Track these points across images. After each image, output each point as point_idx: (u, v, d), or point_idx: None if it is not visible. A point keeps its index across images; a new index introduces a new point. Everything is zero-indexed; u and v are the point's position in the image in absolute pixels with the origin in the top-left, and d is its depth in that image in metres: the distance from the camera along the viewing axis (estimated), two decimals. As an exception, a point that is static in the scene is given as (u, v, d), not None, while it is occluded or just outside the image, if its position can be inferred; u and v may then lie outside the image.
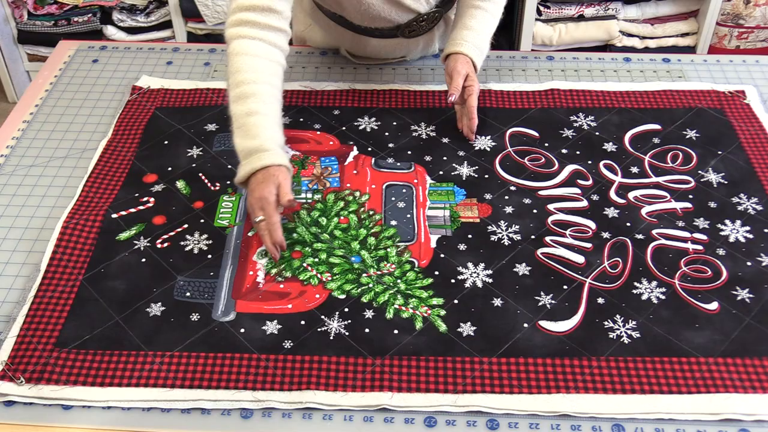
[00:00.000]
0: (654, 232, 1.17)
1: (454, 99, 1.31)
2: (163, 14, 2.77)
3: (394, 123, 1.37)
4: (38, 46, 2.87)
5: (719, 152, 1.31)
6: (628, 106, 1.41)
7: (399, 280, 1.09)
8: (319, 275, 1.10)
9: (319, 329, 1.03)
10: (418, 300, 1.07)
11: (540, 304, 1.06)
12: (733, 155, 1.30)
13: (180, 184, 1.25)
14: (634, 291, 1.08)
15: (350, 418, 0.94)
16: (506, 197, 1.23)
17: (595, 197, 1.23)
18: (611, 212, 1.21)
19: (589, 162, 1.30)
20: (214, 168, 1.28)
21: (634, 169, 1.28)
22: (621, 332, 1.02)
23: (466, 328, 1.03)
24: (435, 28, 1.48)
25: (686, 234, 1.17)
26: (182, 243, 1.15)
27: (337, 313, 1.05)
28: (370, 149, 1.32)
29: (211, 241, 1.15)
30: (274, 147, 1.11)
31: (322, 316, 1.04)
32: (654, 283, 1.09)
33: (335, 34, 1.50)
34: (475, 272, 1.11)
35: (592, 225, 1.18)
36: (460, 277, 1.10)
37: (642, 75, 1.50)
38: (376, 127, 1.37)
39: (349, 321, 1.04)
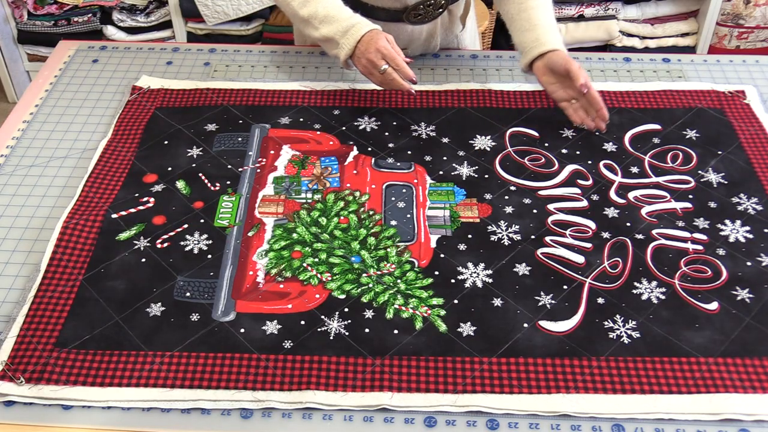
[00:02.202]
0: (654, 232, 1.17)
1: (587, 85, 1.28)
2: (163, 14, 2.77)
3: (394, 123, 1.37)
4: (38, 46, 2.87)
5: (719, 152, 1.31)
6: (628, 106, 1.41)
7: (399, 280, 1.09)
8: (319, 275, 1.10)
9: (319, 329, 1.03)
10: (418, 300, 1.07)
11: (540, 304, 1.06)
12: (733, 155, 1.30)
13: (180, 184, 1.25)
14: (634, 291, 1.08)
15: (350, 418, 0.94)
16: (506, 197, 1.23)
17: (595, 197, 1.23)
18: (611, 212, 1.21)
19: (589, 162, 1.30)
20: (214, 168, 1.28)
21: (634, 169, 1.28)
22: (621, 332, 1.02)
23: (466, 328, 1.03)
24: (439, 19, 1.48)
25: (686, 234, 1.17)
26: (182, 243, 1.15)
27: (337, 313, 1.05)
28: (370, 149, 1.32)
29: (211, 241, 1.15)
30: (362, 20, 1.29)
31: (322, 316, 1.04)
32: (654, 283, 1.09)
33: None
34: (475, 272, 1.11)
35: (592, 225, 1.18)
36: (460, 277, 1.10)
37: (642, 75, 1.50)
38: (376, 127, 1.37)
39: (349, 321, 1.04)
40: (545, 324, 1.03)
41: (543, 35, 1.35)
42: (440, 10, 1.45)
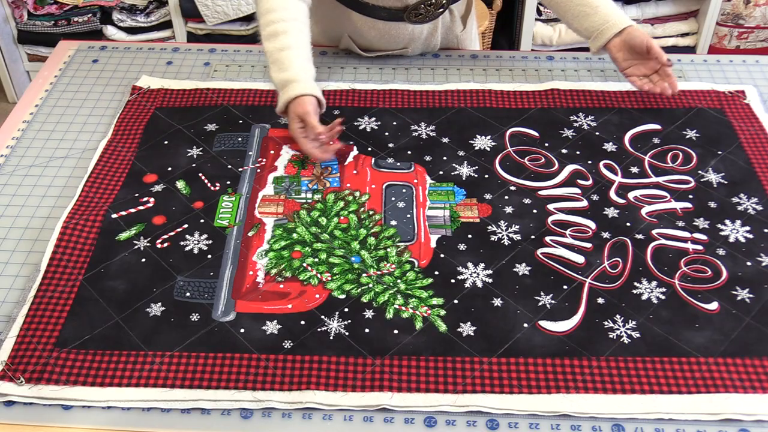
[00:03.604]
0: (654, 232, 1.17)
1: (672, 62, 1.37)
2: (163, 14, 2.77)
3: (394, 123, 1.37)
4: (38, 46, 2.87)
5: (719, 152, 1.31)
6: (628, 106, 1.41)
7: (399, 280, 1.09)
8: (319, 275, 1.10)
9: (319, 329, 1.03)
10: (418, 300, 1.07)
11: (540, 304, 1.06)
12: (733, 155, 1.30)
13: (180, 184, 1.25)
14: (634, 291, 1.08)
15: (350, 418, 0.94)
16: (506, 197, 1.23)
17: (595, 197, 1.23)
18: (611, 212, 1.21)
19: (589, 162, 1.30)
20: (214, 168, 1.28)
21: (634, 169, 1.28)
22: (621, 332, 1.02)
23: (466, 328, 1.03)
24: (440, 19, 1.48)
25: (686, 234, 1.17)
26: (182, 243, 1.15)
27: (337, 313, 1.05)
28: (370, 149, 1.32)
29: (211, 241, 1.15)
30: (304, 78, 1.26)
31: (322, 316, 1.04)
32: (654, 283, 1.09)
33: (339, 18, 1.50)
34: (475, 272, 1.11)
35: (592, 225, 1.18)
36: (460, 277, 1.10)
37: (642, 75, 1.50)
38: (376, 127, 1.37)
39: (349, 321, 1.04)
40: (545, 324, 1.03)
41: (611, 15, 1.37)
42: (441, 9, 1.45)
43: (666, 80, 1.38)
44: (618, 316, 1.04)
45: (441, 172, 1.28)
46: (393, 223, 1.19)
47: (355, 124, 1.38)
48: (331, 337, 1.02)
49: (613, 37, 1.37)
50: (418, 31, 1.49)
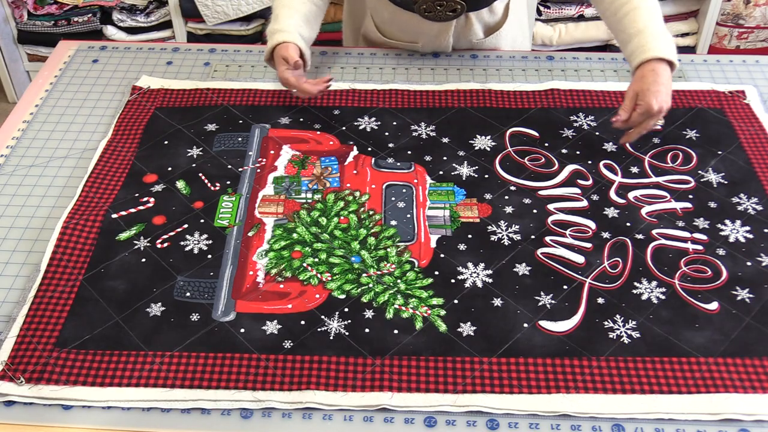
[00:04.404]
0: (654, 232, 1.17)
1: (620, 119, 1.24)
2: (163, 14, 2.77)
3: (394, 123, 1.37)
4: (38, 46, 2.87)
5: (719, 152, 1.31)
6: (628, 106, 1.41)
7: (399, 280, 1.09)
8: (319, 275, 1.10)
9: (319, 329, 1.03)
10: (418, 300, 1.07)
11: (540, 304, 1.06)
12: (733, 155, 1.30)
13: (180, 184, 1.25)
14: (634, 291, 1.08)
15: (350, 418, 0.94)
16: (506, 197, 1.23)
17: (595, 197, 1.23)
18: (611, 212, 1.21)
19: (589, 162, 1.30)
20: (214, 168, 1.28)
21: (634, 169, 1.28)
22: (621, 332, 1.02)
23: (466, 328, 1.03)
24: (454, 21, 1.47)
25: (686, 234, 1.17)
26: (182, 243, 1.15)
27: (337, 313, 1.05)
28: (370, 149, 1.32)
29: (211, 241, 1.15)
30: (292, 30, 1.36)
31: (322, 316, 1.04)
32: (654, 283, 1.09)
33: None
34: (475, 272, 1.11)
35: (592, 225, 1.18)
36: (460, 277, 1.10)
37: (642, 75, 1.50)
38: (376, 127, 1.37)
39: (349, 321, 1.04)
40: (545, 324, 1.03)
41: (634, 46, 1.27)
42: (452, 13, 1.44)
43: (636, 128, 1.27)
44: (618, 316, 1.04)
45: (441, 172, 1.28)
46: (393, 223, 1.19)
47: (355, 124, 1.38)
48: (331, 337, 1.02)
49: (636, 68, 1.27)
50: (427, 26, 1.48)
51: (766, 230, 1.17)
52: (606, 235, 1.17)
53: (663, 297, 1.07)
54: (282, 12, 1.39)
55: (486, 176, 1.27)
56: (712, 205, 1.22)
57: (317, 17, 1.44)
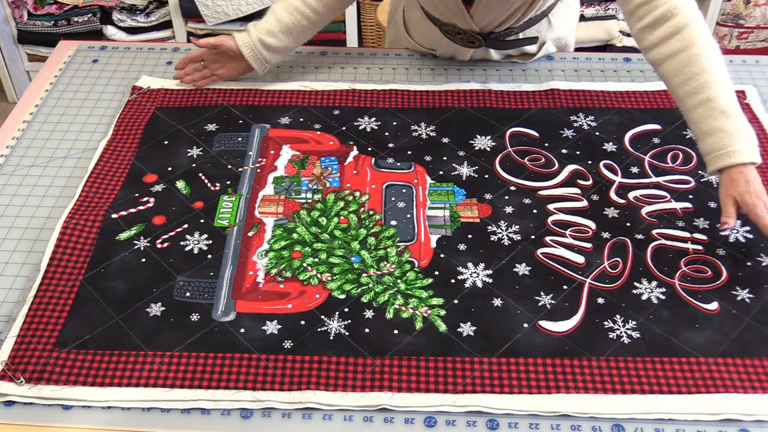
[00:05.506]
0: (654, 232, 1.17)
1: (730, 227, 1.10)
2: (163, 14, 2.77)
3: (394, 123, 1.37)
4: (38, 46, 2.87)
5: (719, 152, 1.31)
6: (628, 106, 1.41)
7: (399, 280, 1.09)
8: (319, 275, 1.10)
9: (319, 329, 1.03)
10: (418, 300, 1.07)
11: (540, 304, 1.06)
12: (733, 155, 1.30)
13: (180, 184, 1.25)
14: (634, 291, 1.08)
15: (350, 418, 0.94)
16: (506, 197, 1.23)
17: (595, 197, 1.23)
18: (611, 212, 1.21)
19: (589, 162, 1.30)
20: (214, 168, 1.28)
21: (634, 169, 1.28)
22: (621, 332, 1.02)
23: (466, 328, 1.03)
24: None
25: (686, 234, 1.17)
26: (182, 243, 1.15)
27: (337, 313, 1.05)
28: (370, 149, 1.32)
29: (211, 241, 1.15)
30: (252, 30, 1.40)
31: (322, 316, 1.04)
32: (654, 283, 1.09)
33: None
34: (475, 272, 1.11)
35: (592, 225, 1.18)
36: (460, 277, 1.10)
37: (642, 75, 1.50)
38: (376, 127, 1.37)
39: (349, 321, 1.04)
40: (545, 324, 1.03)
41: (710, 147, 1.12)
42: (471, 44, 1.45)
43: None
44: (618, 316, 1.04)
45: (441, 172, 1.28)
46: (393, 223, 1.19)
47: (355, 124, 1.38)
48: (331, 337, 1.02)
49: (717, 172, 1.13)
50: (446, 42, 1.48)
51: (766, 230, 1.17)
52: (606, 235, 1.17)
53: (663, 297, 1.07)
54: (267, 16, 1.40)
55: (486, 176, 1.27)
56: (712, 205, 1.22)
57: (304, 31, 1.41)
